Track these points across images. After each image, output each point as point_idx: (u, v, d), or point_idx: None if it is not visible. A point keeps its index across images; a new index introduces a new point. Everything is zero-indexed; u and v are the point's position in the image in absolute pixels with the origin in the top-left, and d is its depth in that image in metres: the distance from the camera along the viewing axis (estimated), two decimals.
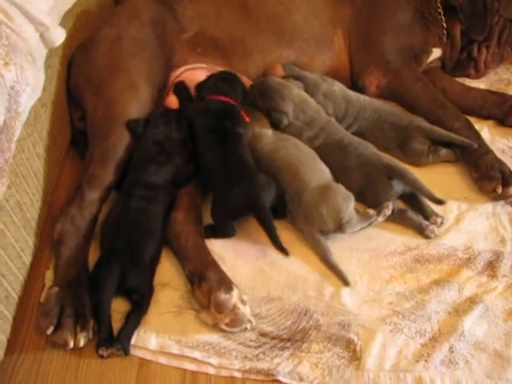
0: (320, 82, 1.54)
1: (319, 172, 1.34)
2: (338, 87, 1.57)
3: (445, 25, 1.72)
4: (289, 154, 1.37)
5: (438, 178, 1.45)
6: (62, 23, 1.39)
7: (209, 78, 1.46)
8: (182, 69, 1.56)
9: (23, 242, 1.21)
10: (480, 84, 1.80)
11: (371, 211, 1.29)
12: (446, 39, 1.74)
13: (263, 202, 1.23)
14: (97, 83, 1.43)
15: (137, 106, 1.39)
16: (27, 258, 1.23)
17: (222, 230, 1.28)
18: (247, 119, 1.40)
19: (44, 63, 1.31)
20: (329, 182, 1.31)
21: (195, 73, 1.56)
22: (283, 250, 1.22)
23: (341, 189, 1.29)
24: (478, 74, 1.82)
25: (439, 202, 1.32)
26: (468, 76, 1.82)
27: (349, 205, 1.26)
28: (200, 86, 1.46)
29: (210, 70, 1.56)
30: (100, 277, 1.12)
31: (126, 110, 1.38)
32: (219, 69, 1.57)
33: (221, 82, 1.43)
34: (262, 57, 1.61)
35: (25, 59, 1.05)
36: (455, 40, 1.74)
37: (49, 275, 1.23)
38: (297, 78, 1.55)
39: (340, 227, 1.27)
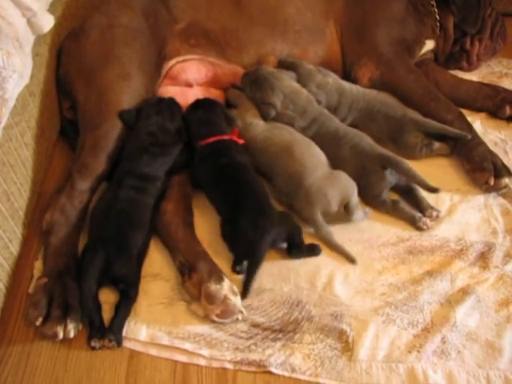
0: (314, 73, 1.53)
1: (317, 156, 1.34)
2: (333, 79, 1.56)
3: (438, 17, 1.71)
4: (284, 140, 1.36)
5: (431, 170, 1.44)
6: (51, 10, 1.36)
7: (188, 123, 1.37)
8: (174, 60, 1.54)
9: (11, 232, 1.19)
10: (472, 77, 1.79)
11: (366, 208, 1.33)
12: (439, 31, 1.73)
13: (267, 238, 1.17)
14: (88, 72, 1.40)
15: (129, 95, 1.37)
16: (15, 249, 1.21)
17: (233, 250, 1.22)
18: (241, 141, 1.36)
19: (32, 51, 1.29)
20: (331, 170, 1.32)
21: (187, 64, 1.53)
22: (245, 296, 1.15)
23: (346, 175, 1.30)
24: (471, 67, 1.82)
25: (433, 190, 1.32)
26: (460, 69, 1.82)
27: (354, 190, 1.27)
28: (188, 128, 1.37)
29: (202, 62, 1.54)
30: (83, 265, 1.11)
31: (119, 98, 1.36)
32: (211, 60, 1.55)
33: (201, 123, 1.36)
34: (256, 48, 1.60)
35: (11, 44, 1.03)
36: (448, 32, 1.74)
37: (38, 266, 1.21)
38: (290, 67, 1.54)
39: (348, 211, 1.27)
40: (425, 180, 1.32)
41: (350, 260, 1.23)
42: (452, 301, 1.17)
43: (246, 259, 1.18)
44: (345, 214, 1.30)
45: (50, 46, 1.47)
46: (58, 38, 1.54)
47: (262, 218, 1.17)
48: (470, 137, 1.46)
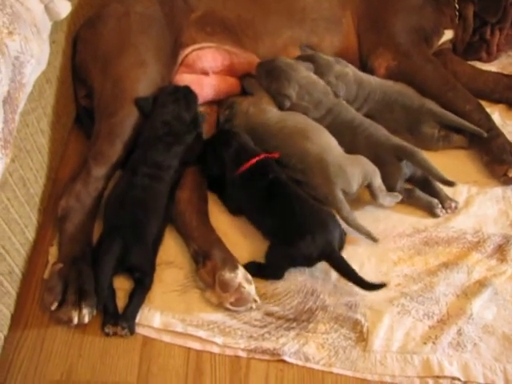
0: (333, 63, 1.51)
1: (331, 140, 1.33)
2: (351, 70, 1.53)
3: (457, 6, 1.67)
4: (298, 122, 1.35)
5: (448, 161, 1.43)
6: None
7: (231, 147, 1.29)
8: (190, 48, 1.53)
9: (26, 218, 1.19)
10: (491, 67, 1.75)
11: (396, 193, 1.30)
12: (458, 21, 1.69)
13: (337, 251, 1.14)
14: (104, 59, 1.40)
15: (145, 82, 1.37)
16: (30, 235, 1.22)
17: (273, 273, 1.18)
18: (277, 155, 1.30)
19: (49, 37, 1.29)
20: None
21: (203, 52, 1.52)
22: (373, 287, 1.12)
23: (365, 158, 1.28)
24: (490, 58, 1.78)
25: (449, 183, 1.30)
26: (480, 59, 1.78)
27: (376, 173, 1.25)
28: (231, 156, 1.28)
29: (218, 50, 1.53)
30: (100, 253, 1.11)
31: (135, 86, 1.35)
32: (227, 48, 1.54)
33: (241, 150, 1.29)
34: (273, 38, 1.58)
35: (29, 30, 1.03)
36: (467, 22, 1.70)
37: (53, 252, 1.22)
38: (308, 59, 1.52)
39: (372, 195, 1.26)
40: (440, 173, 1.30)
41: (372, 238, 1.21)
42: (468, 293, 1.15)
43: (331, 265, 1.14)
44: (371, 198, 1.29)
45: (66, 33, 1.47)
46: (74, 26, 1.53)
47: (328, 233, 1.14)
48: (486, 134, 1.43)
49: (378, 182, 1.26)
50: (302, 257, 1.14)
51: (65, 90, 1.46)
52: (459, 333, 1.09)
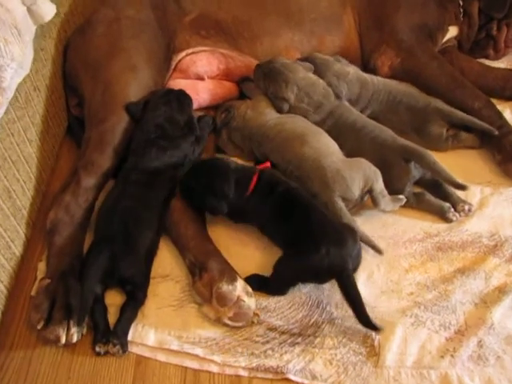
0: (331, 62, 1.46)
1: (331, 144, 1.26)
2: (353, 69, 1.48)
3: (461, 2, 1.62)
4: (297, 126, 1.30)
5: (458, 161, 1.37)
6: (58, 6, 1.31)
7: (225, 176, 1.18)
8: (184, 53, 1.48)
9: (13, 231, 1.13)
10: (500, 65, 1.69)
11: (400, 195, 1.23)
12: (463, 17, 1.64)
13: (349, 270, 1.04)
14: (94, 65, 1.36)
15: (137, 87, 1.32)
16: (17, 250, 1.16)
17: (278, 288, 1.10)
18: (268, 164, 1.24)
19: (36, 44, 1.25)
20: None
21: (198, 56, 1.47)
22: (373, 327, 1.02)
23: (366, 161, 1.21)
24: (498, 55, 1.71)
25: (460, 187, 1.24)
26: (487, 57, 1.71)
27: (378, 176, 1.18)
28: (230, 184, 1.17)
29: (213, 53, 1.48)
30: (85, 265, 1.05)
31: (125, 91, 1.30)
32: (223, 51, 1.49)
33: (237, 175, 1.18)
34: (271, 39, 1.53)
35: (9, 32, 0.98)
36: (473, 18, 1.64)
37: (41, 267, 1.16)
38: (305, 59, 1.46)
39: (373, 200, 1.19)
40: (451, 175, 1.24)
41: (377, 251, 1.14)
42: (488, 301, 1.08)
43: (339, 285, 1.04)
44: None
45: (56, 41, 1.44)
46: (65, 34, 1.50)
47: (345, 248, 1.05)
48: (497, 132, 1.36)
49: (379, 186, 1.19)
50: (312, 270, 1.05)
51: (55, 100, 1.41)
52: (480, 345, 1.01)
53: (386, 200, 1.20)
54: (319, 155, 1.21)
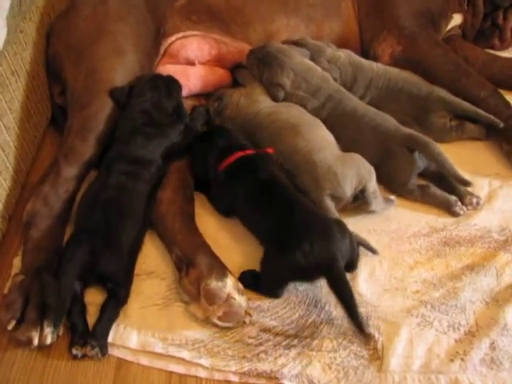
0: (323, 47, 1.41)
1: (326, 137, 1.19)
2: (345, 54, 1.42)
3: None
4: (292, 116, 1.23)
5: (464, 153, 1.31)
6: None
7: (205, 145, 1.18)
8: (173, 37, 1.41)
9: None
10: (506, 55, 1.64)
11: (392, 196, 1.18)
12: (467, 5, 1.59)
13: (340, 266, 0.96)
14: (78, 49, 1.29)
15: (122, 72, 1.25)
16: None
17: (270, 290, 1.02)
18: (271, 151, 1.16)
19: (14, 25, 1.17)
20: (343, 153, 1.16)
21: (188, 40, 1.40)
22: (365, 333, 0.94)
23: (361, 157, 1.14)
24: (504, 45, 1.66)
25: (464, 182, 1.18)
26: (492, 47, 1.67)
27: (371, 175, 1.11)
28: (202, 157, 1.17)
29: (205, 38, 1.41)
30: (62, 260, 0.97)
31: (110, 76, 1.24)
32: (215, 37, 1.42)
33: (226, 146, 1.16)
34: (264, 25, 1.47)
35: None
36: (477, 6, 1.60)
37: (16, 263, 1.08)
38: (296, 44, 1.40)
39: (364, 200, 1.11)
40: (455, 170, 1.18)
41: (371, 250, 1.07)
42: (500, 299, 1.01)
43: (329, 283, 0.96)
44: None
45: (37, 24, 1.37)
46: (48, 19, 1.44)
47: (331, 241, 0.96)
48: (502, 124, 1.30)
49: (373, 186, 1.12)
50: (297, 268, 0.96)
51: (36, 87, 1.34)
52: (492, 347, 0.94)
53: (377, 201, 1.13)
54: (311, 149, 1.14)
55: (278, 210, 1.02)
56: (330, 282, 0.96)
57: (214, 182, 1.14)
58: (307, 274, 0.99)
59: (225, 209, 1.15)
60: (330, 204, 1.08)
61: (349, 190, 1.09)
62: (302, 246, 0.94)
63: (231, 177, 1.10)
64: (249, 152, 1.14)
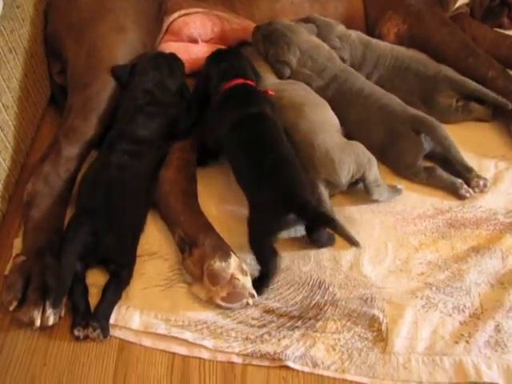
0: (334, 24, 1.38)
1: (329, 119, 1.17)
2: (354, 32, 1.40)
3: None
4: (297, 94, 1.20)
5: (471, 134, 1.28)
6: None
7: (213, 65, 1.21)
8: (176, 14, 1.38)
9: None
10: None
11: (399, 185, 1.15)
12: None
13: (308, 197, 0.98)
14: (78, 27, 1.26)
15: (124, 50, 1.23)
16: None
17: (260, 254, 0.99)
18: (271, 92, 1.19)
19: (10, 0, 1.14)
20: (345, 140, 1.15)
21: (191, 17, 1.37)
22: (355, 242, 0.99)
23: (362, 145, 1.12)
24: None
25: (468, 169, 1.17)
26: (500, 26, 1.61)
27: (372, 164, 1.09)
28: (206, 75, 1.20)
29: (208, 15, 1.38)
30: (64, 241, 0.95)
31: (112, 53, 1.21)
32: (218, 14, 1.39)
33: (231, 63, 1.20)
34: (269, 3, 1.44)
35: None
36: None
37: (17, 244, 1.07)
38: (306, 20, 1.37)
39: (366, 190, 1.10)
40: (460, 155, 1.17)
41: (354, 243, 1.01)
42: (505, 281, 1.00)
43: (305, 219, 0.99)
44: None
45: (35, 1, 1.33)
46: None
47: (295, 174, 1.01)
48: (510, 106, 1.27)
49: (373, 175, 1.09)
50: (269, 203, 0.97)
51: (35, 65, 1.32)
52: (497, 329, 0.93)
53: (380, 190, 1.11)
54: (312, 130, 1.12)
55: (258, 151, 1.03)
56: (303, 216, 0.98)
57: (212, 105, 1.14)
58: (277, 215, 0.98)
59: (213, 141, 1.13)
60: (323, 190, 1.07)
61: (344, 177, 1.07)
62: (263, 187, 0.98)
63: (225, 102, 1.11)
64: (250, 82, 1.15)
